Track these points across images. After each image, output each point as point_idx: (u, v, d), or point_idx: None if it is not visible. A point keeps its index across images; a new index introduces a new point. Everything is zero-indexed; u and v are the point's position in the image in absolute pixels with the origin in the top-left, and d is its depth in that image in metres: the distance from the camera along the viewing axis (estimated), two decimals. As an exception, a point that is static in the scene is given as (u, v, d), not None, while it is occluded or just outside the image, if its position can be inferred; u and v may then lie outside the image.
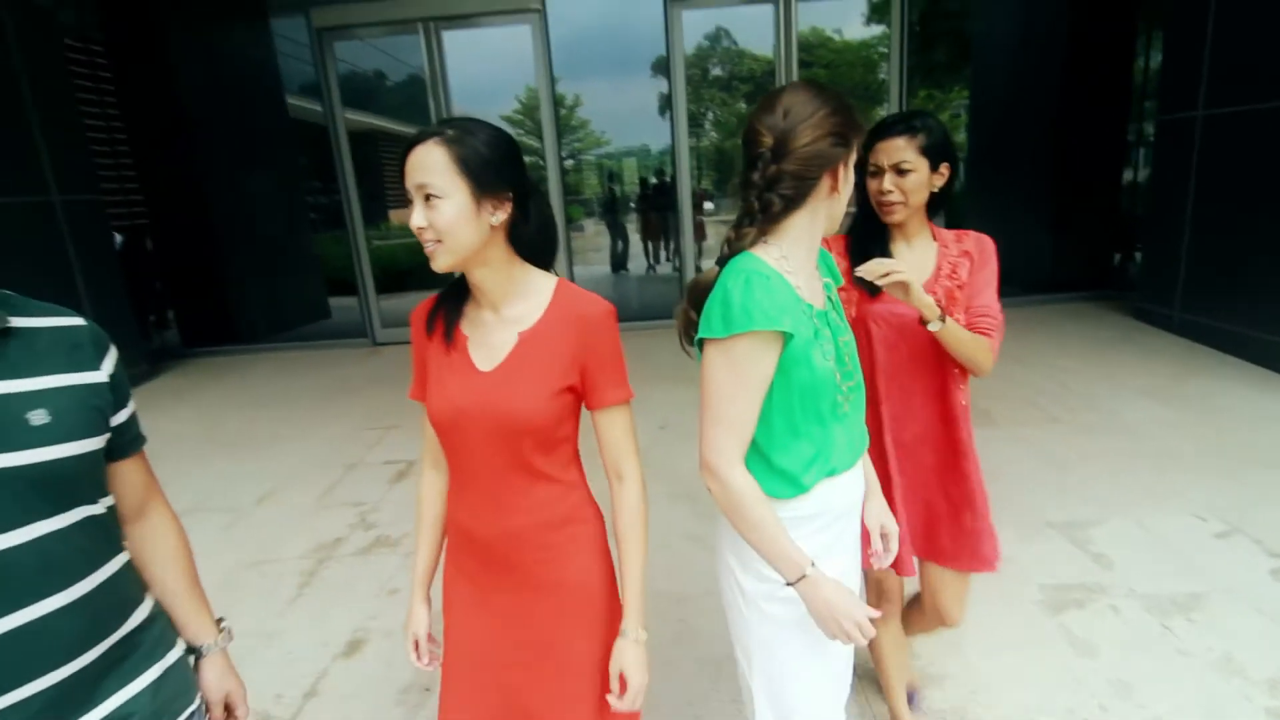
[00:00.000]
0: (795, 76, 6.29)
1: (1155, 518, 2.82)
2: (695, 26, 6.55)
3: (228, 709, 1.07)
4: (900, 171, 1.46)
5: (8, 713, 0.79)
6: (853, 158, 1.09)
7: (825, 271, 1.23)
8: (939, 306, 1.40)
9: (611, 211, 9.24)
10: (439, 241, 1.03)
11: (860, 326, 1.51)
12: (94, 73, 7.21)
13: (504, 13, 6.08)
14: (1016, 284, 6.43)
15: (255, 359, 6.68)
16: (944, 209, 1.55)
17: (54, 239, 5.21)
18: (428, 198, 1.02)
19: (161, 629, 0.98)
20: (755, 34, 6.63)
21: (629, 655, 1.15)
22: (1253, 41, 4.49)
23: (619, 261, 9.77)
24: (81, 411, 0.85)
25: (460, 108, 6.40)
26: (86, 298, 5.33)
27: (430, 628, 1.27)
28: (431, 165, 1.01)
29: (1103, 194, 6.73)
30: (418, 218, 1.03)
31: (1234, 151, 4.70)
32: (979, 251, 1.53)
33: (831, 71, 7.17)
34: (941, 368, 1.51)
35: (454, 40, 6.16)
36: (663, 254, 9.35)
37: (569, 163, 8.56)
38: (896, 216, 1.50)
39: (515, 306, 1.13)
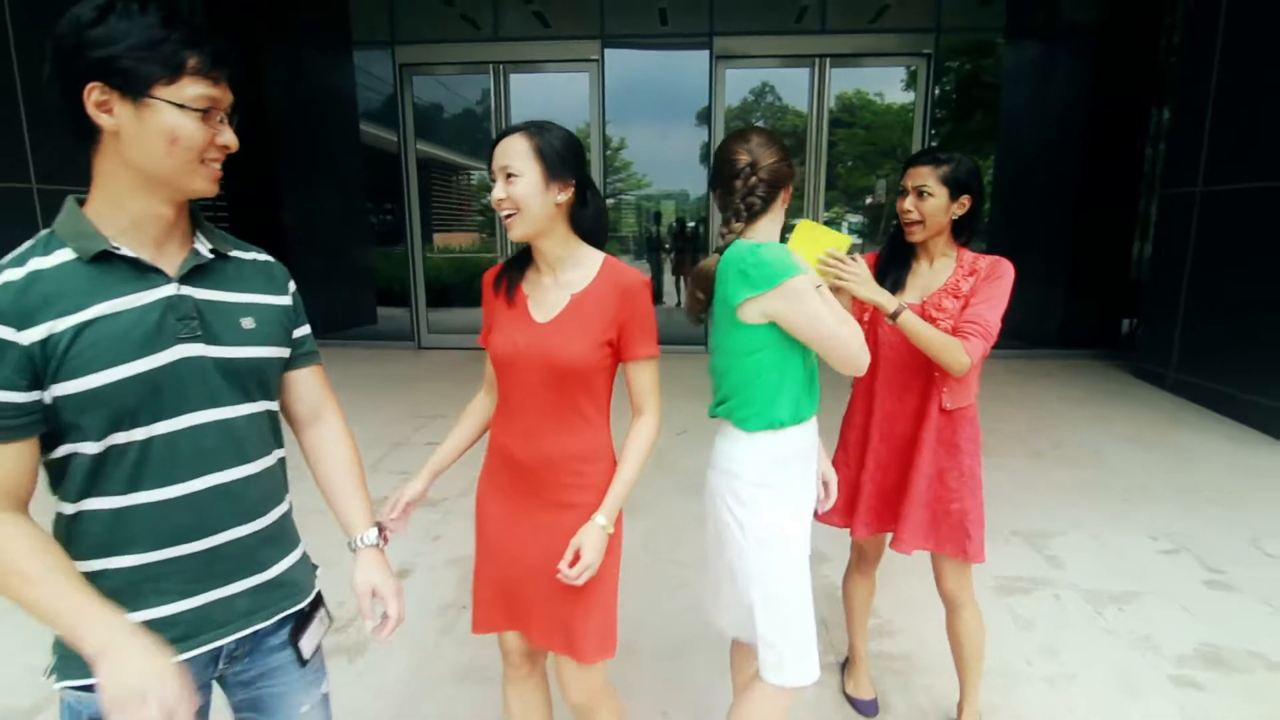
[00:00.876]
0: (827, 134, 6.84)
1: (1111, 534, 3.14)
2: (740, 83, 7.14)
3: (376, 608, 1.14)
4: (921, 194, 1.67)
5: (208, 554, 0.97)
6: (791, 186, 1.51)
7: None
8: (903, 306, 1.58)
9: (652, 249, 9.82)
10: (516, 211, 1.29)
11: (871, 330, 1.74)
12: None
13: (567, 60, 6.78)
14: (1027, 339, 6.78)
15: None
16: (970, 235, 1.73)
17: (29, 225, 5.70)
18: (509, 176, 1.28)
19: (293, 524, 1.14)
20: (797, 92, 7.20)
21: (590, 536, 1.33)
22: (1246, 127, 4.90)
23: (654, 295, 10.30)
24: (275, 324, 1.04)
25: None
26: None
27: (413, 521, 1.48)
28: (514, 151, 1.28)
29: (1114, 261, 7.09)
30: (498, 191, 1.29)
31: (1228, 226, 5.07)
32: (989, 270, 1.68)
33: (870, 132, 7.66)
34: (929, 373, 1.71)
35: (519, 82, 6.87)
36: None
37: (610, 201, 9.19)
38: (915, 235, 1.71)
39: (570, 273, 1.37)
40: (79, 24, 0.81)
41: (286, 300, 1.07)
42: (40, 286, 0.84)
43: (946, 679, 2.10)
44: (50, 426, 0.87)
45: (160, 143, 0.85)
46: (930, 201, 1.67)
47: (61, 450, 0.89)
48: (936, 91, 6.98)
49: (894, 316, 1.59)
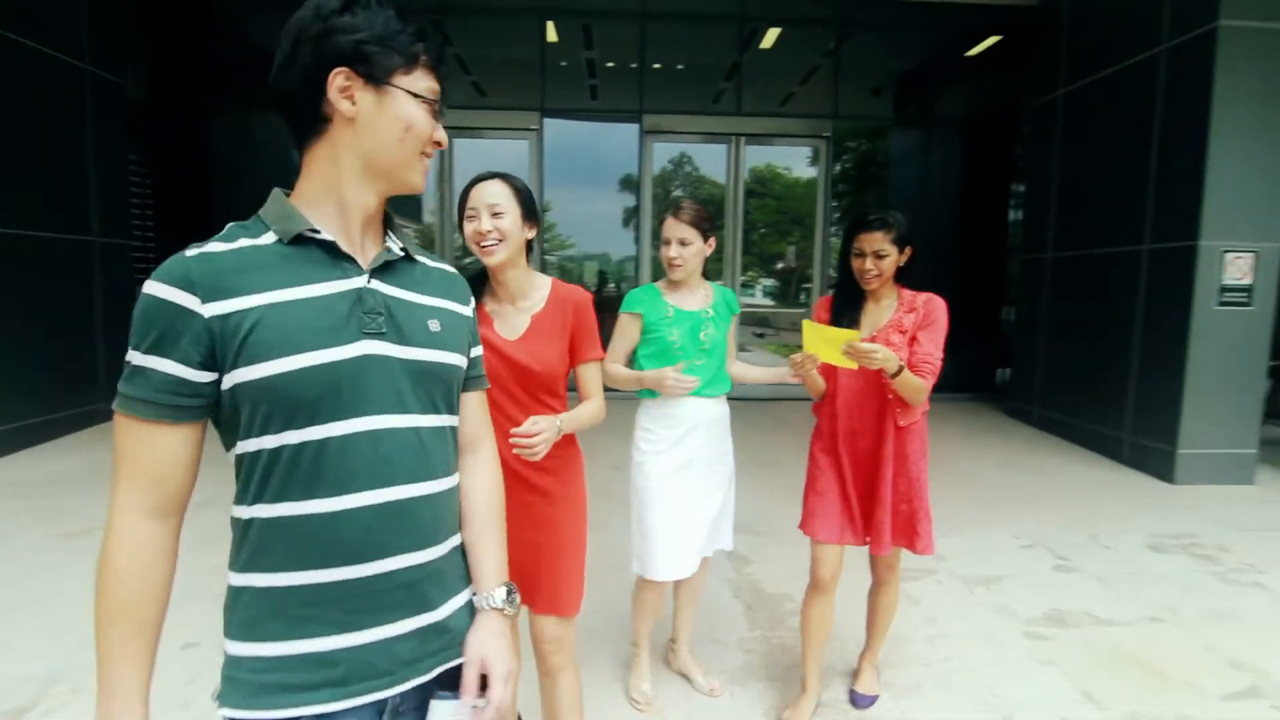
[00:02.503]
0: (743, 204, 7.64)
1: (982, 535, 3.75)
2: (662, 154, 7.89)
3: (484, 680, 0.93)
4: (879, 256, 2.00)
5: (375, 581, 0.85)
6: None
7: (720, 301, 2.24)
8: (904, 363, 1.89)
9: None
10: (500, 241, 1.56)
11: (827, 365, 2.01)
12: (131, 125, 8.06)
13: (509, 129, 7.37)
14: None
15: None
16: (910, 277, 2.09)
17: (85, 276, 5.85)
18: (496, 213, 1.56)
19: (464, 561, 1.00)
20: (713, 163, 8.01)
21: (547, 421, 1.56)
22: (1080, 204, 5.96)
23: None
24: (458, 332, 0.98)
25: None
26: (101, 333, 5.90)
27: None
28: (498, 192, 1.57)
29: (987, 318, 8.13)
30: (485, 224, 1.55)
31: (1073, 286, 6.06)
32: (925, 309, 2.02)
33: (780, 201, 8.49)
34: (883, 396, 2.04)
35: (462, 146, 7.37)
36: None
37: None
38: (874, 286, 2.05)
39: (528, 298, 1.67)
40: (326, 11, 0.82)
41: (468, 311, 1.03)
42: (236, 261, 0.82)
43: (852, 643, 2.55)
44: (227, 420, 0.84)
45: (396, 130, 0.85)
46: (886, 260, 2.01)
47: (238, 448, 0.84)
48: (837, 168, 7.96)
49: (898, 373, 1.87)
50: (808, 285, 8.28)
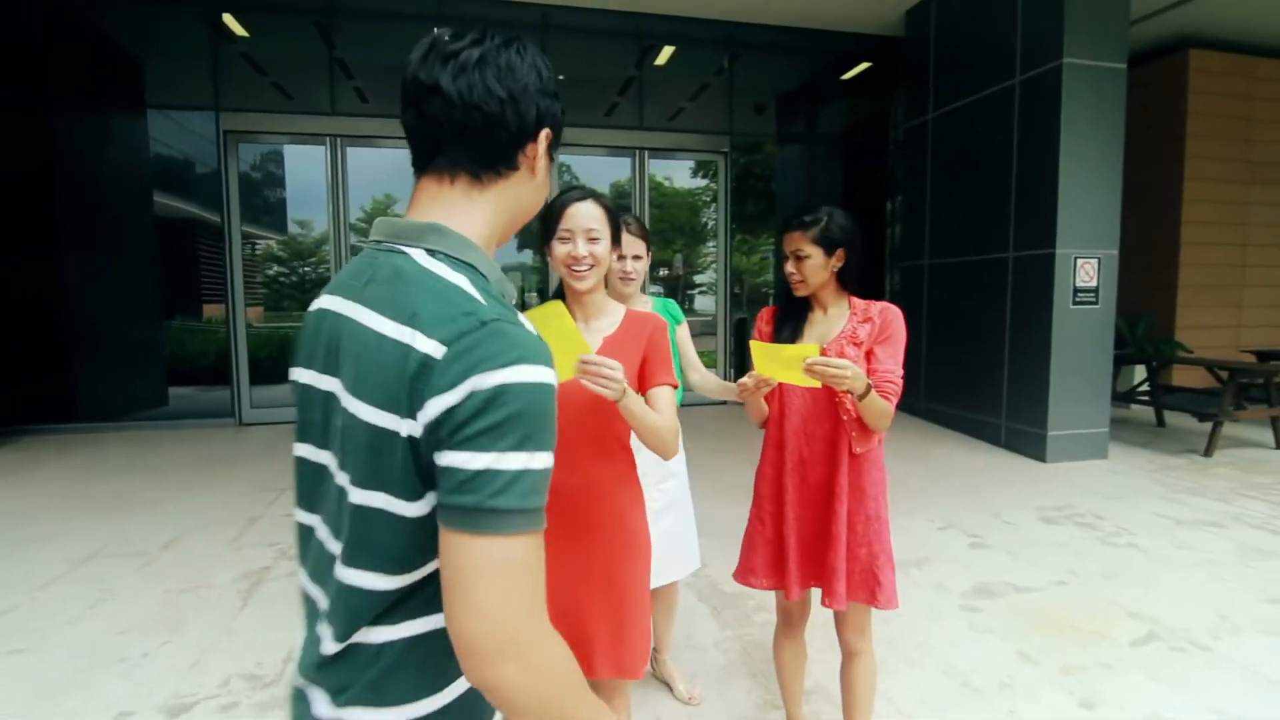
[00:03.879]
0: (649, 214, 7.82)
1: (905, 522, 4.08)
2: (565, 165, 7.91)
3: None
4: (798, 258, 1.77)
5: None
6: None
7: (661, 310, 2.30)
8: (870, 384, 1.64)
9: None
10: (593, 266, 1.50)
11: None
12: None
13: (397, 136, 7.06)
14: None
15: (99, 438, 6.43)
16: (854, 283, 1.84)
17: None
18: (592, 239, 1.50)
19: None
20: (614, 177, 8.14)
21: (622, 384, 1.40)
22: (951, 213, 6.63)
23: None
24: None
25: (356, 214, 7.10)
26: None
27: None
28: (594, 215, 1.50)
29: (872, 319, 8.81)
30: (582, 249, 1.49)
31: (948, 289, 6.72)
32: (882, 320, 1.77)
33: (663, 211, 8.75)
34: (835, 419, 1.76)
35: (356, 155, 6.99)
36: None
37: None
38: (800, 292, 1.82)
39: (601, 320, 1.60)
40: (546, 74, 0.83)
41: None
42: None
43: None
44: None
45: (544, 191, 0.89)
46: (808, 262, 1.78)
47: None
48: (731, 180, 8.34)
49: (866, 394, 1.65)
50: (690, 292, 8.68)
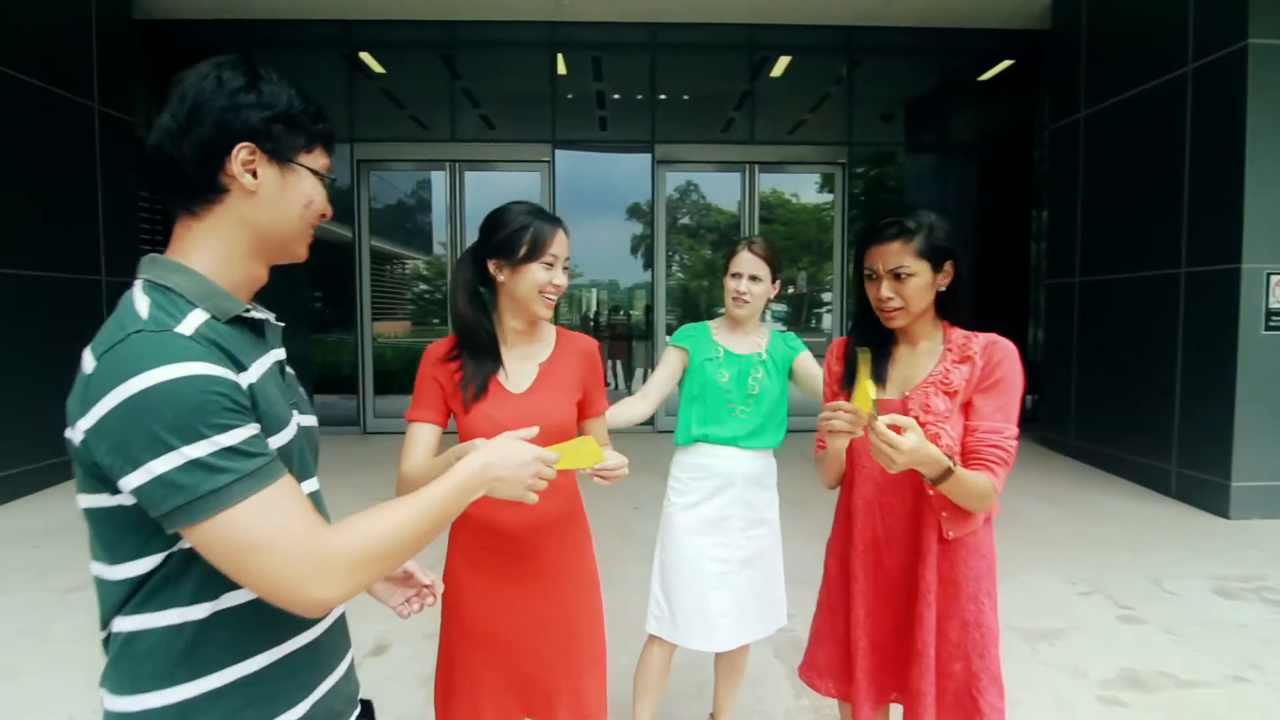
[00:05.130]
0: (757, 229, 7.52)
1: (1037, 581, 3.50)
2: (674, 182, 7.81)
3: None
4: (898, 276, 1.36)
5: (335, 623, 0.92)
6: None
7: (777, 347, 2.06)
8: (954, 464, 1.23)
9: (594, 335, 10.19)
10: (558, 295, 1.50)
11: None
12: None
13: (520, 160, 7.31)
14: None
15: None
16: (958, 310, 1.45)
17: (95, 316, 5.75)
18: (566, 267, 1.47)
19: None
20: (721, 192, 7.94)
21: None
22: (1108, 226, 5.79)
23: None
24: None
25: (471, 235, 7.41)
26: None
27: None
28: (567, 243, 1.45)
29: (1012, 342, 7.92)
30: (560, 278, 1.43)
31: (1104, 311, 5.86)
32: (986, 358, 1.36)
33: (789, 228, 8.41)
34: (920, 489, 1.36)
35: (473, 179, 7.31)
36: (620, 371, 10.27)
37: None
38: (898, 322, 1.39)
39: (535, 345, 1.51)
40: (231, 87, 0.81)
41: None
42: (212, 336, 0.77)
43: None
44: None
45: (297, 206, 0.86)
46: (913, 282, 1.36)
47: (179, 545, 0.79)
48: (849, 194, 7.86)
49: (943, 478, 1.23)
50: (817, 310, 8.21)
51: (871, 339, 1.44)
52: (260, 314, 0.87)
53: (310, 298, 8.41)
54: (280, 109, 0.83)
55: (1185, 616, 3.12)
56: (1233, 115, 4.51)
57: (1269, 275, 4.49)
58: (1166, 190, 5.08)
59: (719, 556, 1.99)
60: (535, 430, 1.05)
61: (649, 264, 7.60)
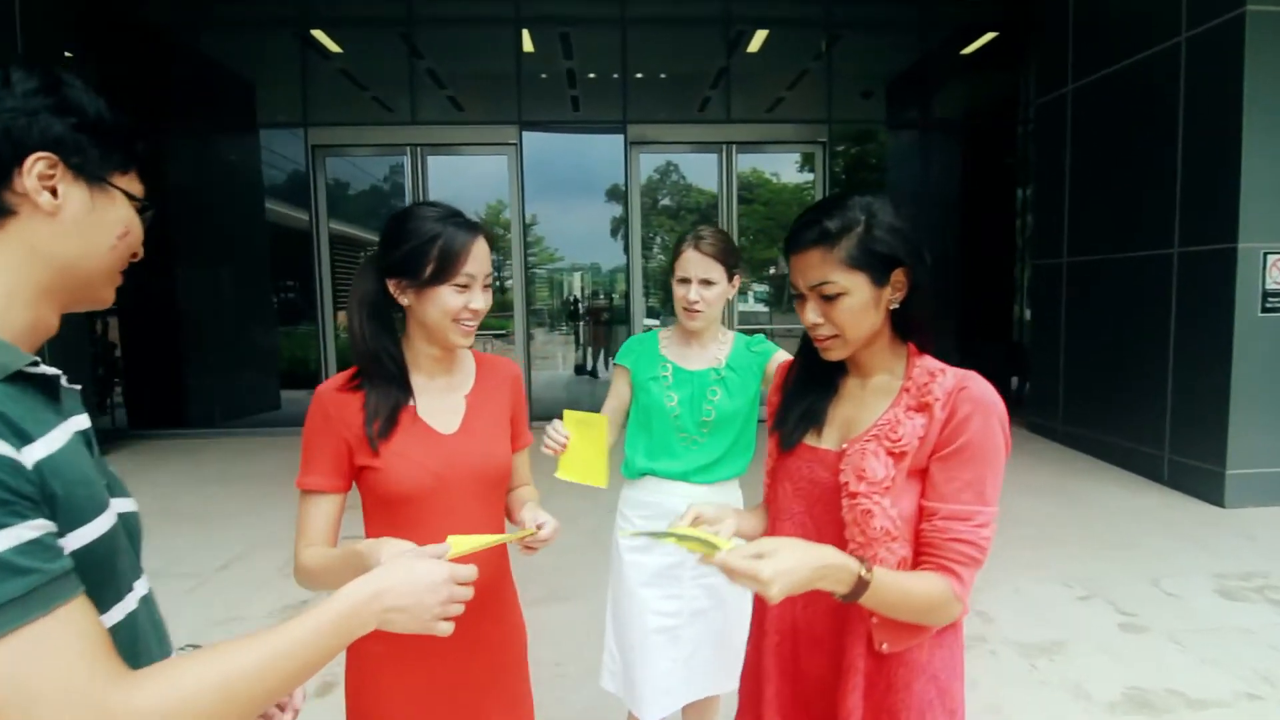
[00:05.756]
0: (736, 211, 7.26)
1: (1030, 585, 3.32)
2: (649, 163, 7.52)
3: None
4: (825, 297, 0.99)
5: None
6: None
7: (740, 356, 1.76)
8: (869, 572, 0.88)
9: (574, 320, 9.86)
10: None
11: (770, 485, 1.15)
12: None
13: (486, 143, 6.95)
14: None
15: (205, 443, 6.74)
16: (922, 330, 1.07)
17: None
18: (487, 285, 1.25)
19: None
20: (701, 173, 7.66)
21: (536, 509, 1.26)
22: (1097, 205, 5.59)
23: (580, 367, 10.23)
24: None
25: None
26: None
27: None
28: (488, 255, 1.24)
29: (997, 325, 7.76)
30: (479, 301, 1.18)
31: (1092, 291, 5.68)
32: (949, 409, 0.98)
33: (769, 207, 8.17)
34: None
35: (438, 164, 6.94)
36: (605, 358, 9.94)
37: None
38: (835, 354, 1.04)
39: (458, 374, 1.27)
40: (23, 88, 0.66)
41: None
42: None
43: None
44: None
45: (108, 236, 0.71)
46: (844, 303, 0.98)
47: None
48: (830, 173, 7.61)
49: (855, 593, 0.88)
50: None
51: (819, 368, 1.10)
52: (49, 370, 0.66)
53: (274, 288, 8.06)
54: (90, 116, 0.69)
55: (1188, 622, 2.95)
56: (1229, 86, 4.30)
57: (1266, 255, 4.31)
58: (1159, 167, 4.87)
59: (666, 610, 1.75)
60: (449, 548, 0.88)
61: (628, 248, 7.32)
